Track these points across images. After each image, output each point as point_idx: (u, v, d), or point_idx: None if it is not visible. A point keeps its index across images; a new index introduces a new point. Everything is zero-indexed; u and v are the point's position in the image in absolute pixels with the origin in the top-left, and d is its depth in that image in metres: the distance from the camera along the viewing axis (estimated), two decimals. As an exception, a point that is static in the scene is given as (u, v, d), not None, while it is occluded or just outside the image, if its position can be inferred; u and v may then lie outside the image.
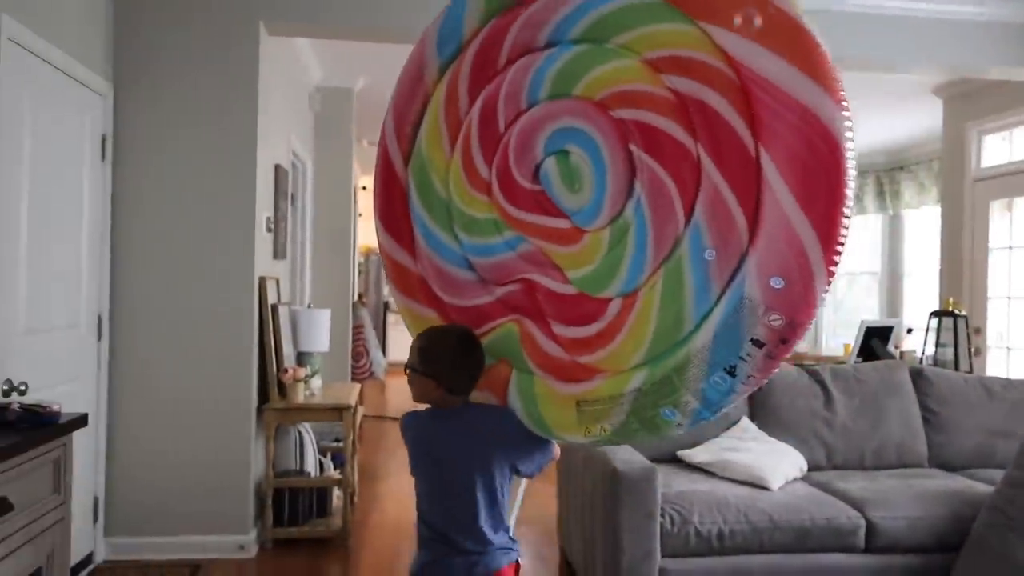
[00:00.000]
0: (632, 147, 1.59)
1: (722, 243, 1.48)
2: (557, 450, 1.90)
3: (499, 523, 1.83)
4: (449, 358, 1.79)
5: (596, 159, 1.64)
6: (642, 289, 1.59)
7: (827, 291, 1.44)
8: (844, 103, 1.41)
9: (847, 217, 1.42)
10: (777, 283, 1.43)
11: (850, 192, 1.42)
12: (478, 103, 1.80)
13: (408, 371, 1.83)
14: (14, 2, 2.66)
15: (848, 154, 1.41)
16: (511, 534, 1.88)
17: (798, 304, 1.43)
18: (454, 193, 1.87)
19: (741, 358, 1.48)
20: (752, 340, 1.46)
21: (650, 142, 1.57)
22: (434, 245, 1.92)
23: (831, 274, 1.43)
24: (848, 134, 1.41)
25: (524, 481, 2.14)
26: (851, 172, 1.41)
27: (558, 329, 1.72)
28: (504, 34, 1.77)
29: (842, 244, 1.41)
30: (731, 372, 1.50)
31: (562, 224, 1.71)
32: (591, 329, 1.66)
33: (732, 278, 1.47)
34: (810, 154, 1.41)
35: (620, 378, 1.61)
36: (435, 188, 1.90)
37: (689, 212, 1.52)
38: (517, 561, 1.88)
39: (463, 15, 1.84)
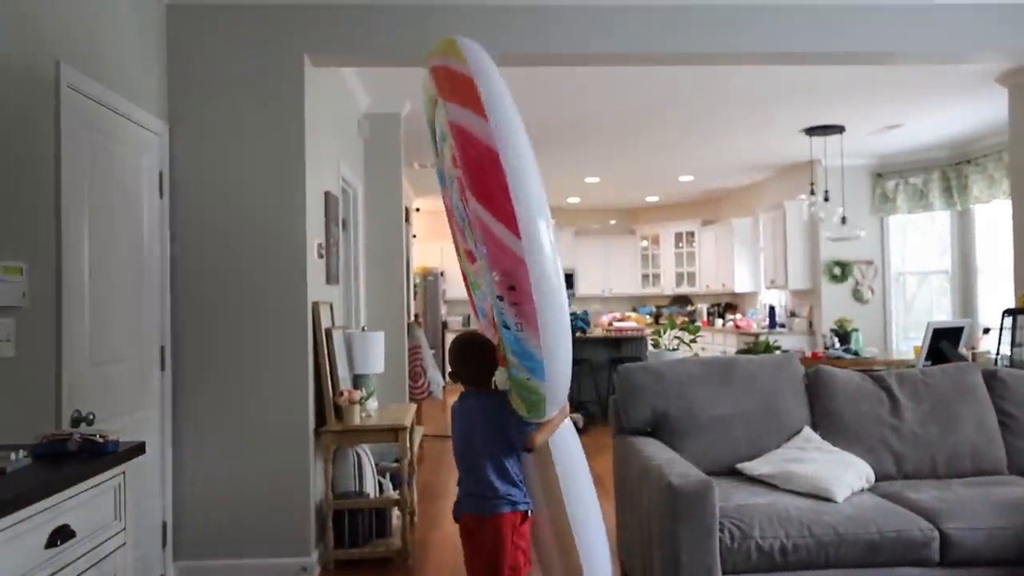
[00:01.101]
0: (465, 193, 2.21)
1: (479, 239, 2.16)
2: (537, 437, 2.37)
3: (505, 478, 2.40)
4: (451, 359, 2.54)
5: (462, 211, 2.44)
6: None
7: (530, 248, 2.03)
8: (487, 116, 2.04)
9: (512, 193, 2.03)
10: (483, 251, 2.10)
11: (509, 171, 2.03)
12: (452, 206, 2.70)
13: None
14: (72, 50, 2.81)
15: (495, 145, 2.03)
16: (520, 487, 2.43)
17: (499, 258, 2.06)
18: (467, 270, 2.72)
19: (501, 312, 2.13)
20: (497, 297, 2.11)
21: (461, 185, 2.28)
22: (479, 308, 2.75)
23: (517, 233, 2.03)
24: (489, 134, 2.03)
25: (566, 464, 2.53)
26: (504, 159, 2.03)
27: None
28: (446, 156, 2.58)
29: (513, 213, 2.03)
30: (506, 326, 2.14)
31: (480, 264, 2.36)
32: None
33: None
34: (464, 155, 2.09)
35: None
36: (464, 270, 2.79)
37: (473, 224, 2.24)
38: (524, 512, 2.43)
39: (438, 160, 2.72)
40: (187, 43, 3.69)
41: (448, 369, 2.57)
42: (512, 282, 2.06)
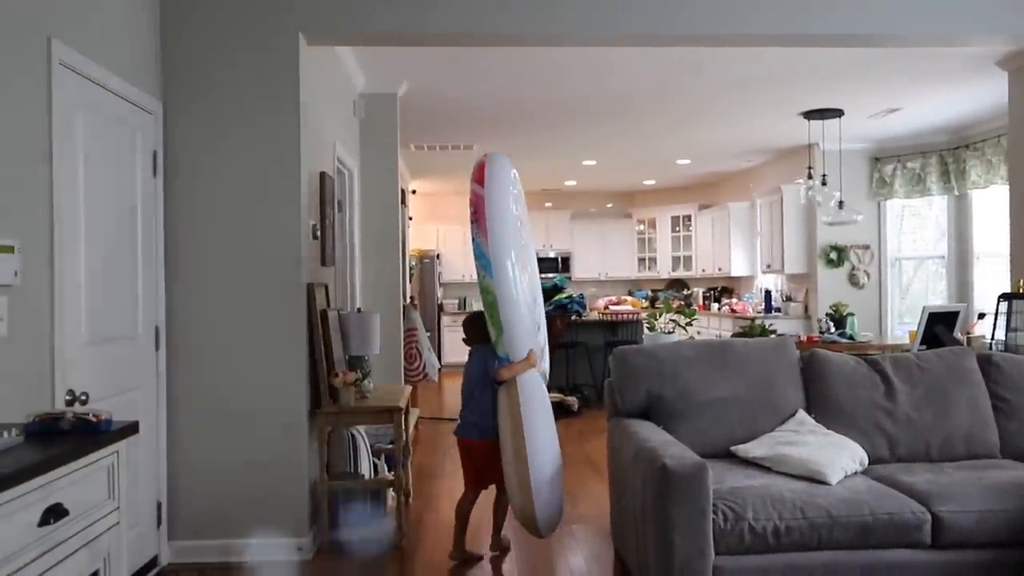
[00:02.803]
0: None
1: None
2: (503, 371, 3.47)
3: (485, 411, 3.54)
4: (464, 328, 3.75)
5: None
6: None
7: (488, 193, 3.46)
8: (478, 181, 3.51)
9: (486, 171, 3.51)
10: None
11: (488, 164, 3.54)
12: None
13: None
14: (64, 27, 2.77)
15: (480, 190, 3.49)
16: (492, 424, 3.52)
17: (472, 200, 3.50)
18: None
19: (472, 232, 3.50)
20: (471, 223, 3.52)
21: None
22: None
23: (482, 184, 3.46)
24: (479, 189, 3.51)
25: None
26: (486, 159, 3.56)
27: None
28: None
29: (482, 180, 3.48)
30: (473, 239, 3.49)
31: None
32: None
33: None
34: (474, 172, 3.58)
35: None
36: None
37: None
38: (485, 440, 3.53)
39: None
40: (181, 20, 3.64)
41: (463, 336, 3.78)
42: (475, 208, 3.45)
